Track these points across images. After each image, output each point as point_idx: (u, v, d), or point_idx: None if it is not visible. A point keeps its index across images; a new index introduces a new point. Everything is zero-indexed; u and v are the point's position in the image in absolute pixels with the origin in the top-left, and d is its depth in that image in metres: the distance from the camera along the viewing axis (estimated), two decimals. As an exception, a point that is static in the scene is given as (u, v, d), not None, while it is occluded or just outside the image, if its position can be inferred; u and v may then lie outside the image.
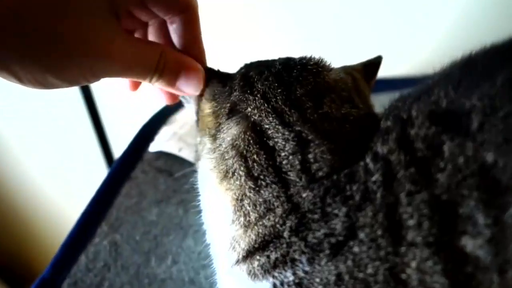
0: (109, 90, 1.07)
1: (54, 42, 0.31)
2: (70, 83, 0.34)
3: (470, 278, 0.24)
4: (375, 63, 0.47)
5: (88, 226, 0.56)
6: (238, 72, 0.42)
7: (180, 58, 0.39)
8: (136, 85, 0.46)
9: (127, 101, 1.05)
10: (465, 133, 0.26)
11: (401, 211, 0.27)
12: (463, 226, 0.25)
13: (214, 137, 0.39)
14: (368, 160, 0.30)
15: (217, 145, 0.38)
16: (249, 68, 0.41)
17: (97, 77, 0.35)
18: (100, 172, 1.08)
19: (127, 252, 0.55)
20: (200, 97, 0.42)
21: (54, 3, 0.30)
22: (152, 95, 0.45)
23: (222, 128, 0.38)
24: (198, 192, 0.63)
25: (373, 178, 0.29)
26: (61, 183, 1.34)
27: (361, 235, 0.28)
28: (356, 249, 0.28)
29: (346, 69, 0.43)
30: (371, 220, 0.28)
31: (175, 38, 0.41)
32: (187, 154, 0.70)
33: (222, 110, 0.39)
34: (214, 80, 0.42)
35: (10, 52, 0.30)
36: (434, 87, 0.30)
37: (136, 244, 0.56)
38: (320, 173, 0.32)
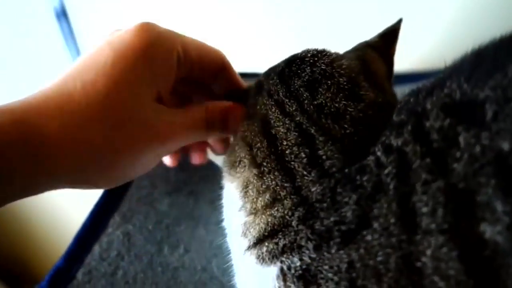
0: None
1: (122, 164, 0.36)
2: (139, 172, 0.39)
3: (488, 262, 0.24)
4: (393, 30, 0.46)
5: (101, 217, 0.57)
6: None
7: (221, 105, 0.43)
8: (176, 159, 0.54)
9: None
10: (480, 123, 0.26)
11: (415, 199, 0.27)
12: (482, 213, 0.25)
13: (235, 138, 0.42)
14: (379, 153, 0.30)
15: (232, 143, 0.42)
16: (262, 75, 0.43)
17: (159, 158, 0.41)
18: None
19: (140, 242, 0.56)
20: None
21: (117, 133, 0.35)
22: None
23: (239, 130, 0.40)
24: (208, 183, 0.64)
25: (386, 171, 0.29)
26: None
27: (375, 224, 0.28)
28: (369, 237, 0.28)
29: (359, 49, 0.43)
30: (386, 210, 0.28)
31: (220, 88, 0.47)
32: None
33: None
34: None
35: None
36: (446, 81, 0.30)
37: (148, 233, 0.56)
38: (333, 169, 0.32)
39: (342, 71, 0.38)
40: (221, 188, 0.43)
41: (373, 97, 0.37)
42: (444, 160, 0.26)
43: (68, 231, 0.65)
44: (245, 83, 0.47)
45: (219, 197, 0.43)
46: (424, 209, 0.26)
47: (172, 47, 0.38)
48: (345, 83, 0.37)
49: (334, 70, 0.38)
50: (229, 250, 0.41)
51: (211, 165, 0.64)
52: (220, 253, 0.45)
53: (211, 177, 0.64)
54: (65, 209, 1.34)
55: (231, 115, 0.43)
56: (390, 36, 0.46)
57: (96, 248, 0.54)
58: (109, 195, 0.60)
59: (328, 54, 0.40)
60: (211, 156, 0.67)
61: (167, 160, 0.54)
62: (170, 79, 0.39)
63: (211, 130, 0.42)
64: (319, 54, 0.40)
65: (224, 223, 0.42)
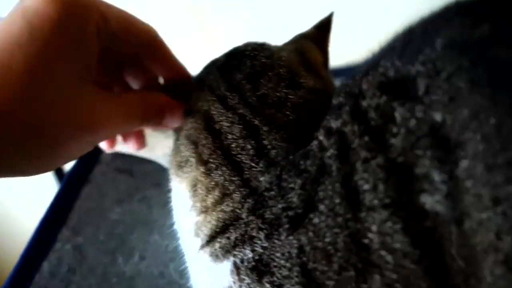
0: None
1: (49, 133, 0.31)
2: (69, 160, 0.35)
3: (431, 232, 0.25)
4: (327, 22, 0.47)
5: (48, 232, 0.55)
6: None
7: (161, 99, 0.41)
8: (112, 144, 0.49)
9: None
10: (413, 97, 0.26)
11: (357, 178, 0.27)
12: (421, 185, 0.25)
13: (176, 139, 0.40)
14: (321, 137, 0.30)
15: (176, 143, 0.40)
16: (202, 71, 0.43)
17: (91, 147, 0.36)
18: (48, 185, 1.03)
19: (92, 254, 0.53)
20: None
21: (36, 95, 0.30)
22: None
23: (182, 128, 0.39)
24: (160, 188, 0.63)
25: (328, 153, 0.29)
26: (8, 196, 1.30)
27: (321, 207, 0.28)
28: (316, 220, 0.28)
29: (296, 41, 0.44)
30: (330, 191, 0.28)
31: (158, 72, 0.43)
32: (145, 153, 0.69)
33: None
34: None
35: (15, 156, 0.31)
36: (381, 60, 0.30)
37: (100, 244, 0.54)
38: (279, 158, 0.32)
39: (282, 63, 0.38)
40: (169, 191, 0.42)
41: (312, 84, 0.37)
42: (382, 136, 0.27)
43: (19, 240, 0.62)
44: (182, 64, 0.44)
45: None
46: (366, 186, 0.26)
47: (89, 15, 0.34)
48: (285, 73, 0.37)
49: (274, 62, 0.38)
50: (184, 253, 0.41)
51: (162, 169, 0.62)
52: (177, 256, 0.44)
53: (163, 181, 0.63)
54: (16, 217, 1.30)
55: (169, 112, 0.40)
56: (324, 27, 0.47)
57: (45, 266, 0.52)
58: (56, 208, 0.57)
59: (267, 47, 0.41)
60: (161, 160, 0.66)
61: (103, 145, 0.48)
62: (92, 52, 0.35)
63: (145, 122, 0.39)
64: (259, 48, 0.40)
65: (176, 226, 0.41)
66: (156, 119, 0.40)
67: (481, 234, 0.23)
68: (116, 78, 0.44)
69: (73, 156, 0.35)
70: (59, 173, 1.01)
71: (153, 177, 0.63)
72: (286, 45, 0.44)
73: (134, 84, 0.45)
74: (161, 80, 0.45)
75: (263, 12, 0.93)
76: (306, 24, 0.48)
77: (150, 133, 0.74)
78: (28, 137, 0.30)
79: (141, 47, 0.40)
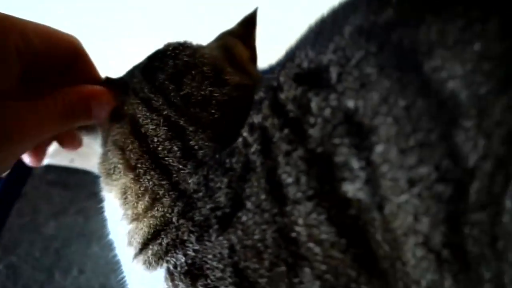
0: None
1: None
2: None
3: (355, 220, 0.26)
4: (251, 17, 0.47)
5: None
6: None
7: (83, 91, 0.38)
8: (37, 157, 0.44)
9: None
10: (327, 86, 0.27)
11: (280, 171, 0.27)
12: (341, 174, 0.26)
13: (104, 145, 0.39)
14: (245, 134, 0.30)
15: (104, 149, 0.38)
16: (125, 74, 0.41)
17: (14, 159, 0.35)
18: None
19: (27, 272, 0.52)
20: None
21: None
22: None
23: (109, 134, 0.38)
24: (97, 198, 0.62)
25: (252, 149, 0.29)
26: None
27: (248, 204, 0.28)
28: (244, 218, 0.28)
29: (220, 39, 0.44)
30: (256, 188, 0.28)
31: (74, 78, 0.41)
32: (80, 163, 0.67)
33: (109, 117, 0.39)
34: None
35: None
36: (296, 52, 0.31)
37: (36, 261, 0.53)
38: (206, 158, 0.32)
39: (205, 60, 0.38)
40: (101, 200, 0.41)
41: (237, 80, 0.37)
42: (301, 128, 0.27)
43: None
44: (101, 76, 0.42)
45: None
46: (289, 180, 0.27)
47: (7, 36, 0.34)
48: (209, 71, 0.37)
49: (197, 60, 0.38)
50: (120, 263, 0.40)
51: (98, 179, 0.61)
52: (118, 267, 0.43)
53: (99, 191, 0.61)
54: None
55: (95, 100, 0.38)
56: (249, 23, 0.47)
57: (-23, 289, 0.50)
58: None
59: (189, 45, 0.40)
60: (96, 169, 0.65)
61: (27, 159, 0.45)
62: (11, 72, 0.35)
63: (72, 119, 0.37)
64: (181, 47, 0.39)
65: (111, 236, 0.40)
66: (82, 111, 0.38)
67: (401, 218, 0.24)
68: (38, 87, 0.41)
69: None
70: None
71: (89, 187, 0.61)
72: (211, 43, 0.44)
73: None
74: None
75: (187, 13, 0.92)
76: (231, 22, 0.49)
77: (85, 143, 0.72)
78: None
79: (64, 58, 0.39)
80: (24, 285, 0.50)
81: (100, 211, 0.59)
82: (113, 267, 0.52)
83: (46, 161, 0.68)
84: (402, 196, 0.24)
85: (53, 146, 0.71)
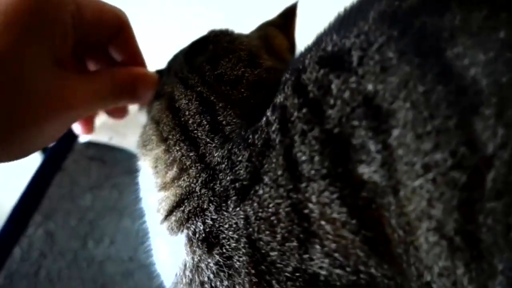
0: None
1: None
2: (43, 144, 0.36)
3: (368, 202, 0.26)
4: (291, 9, 0.49)
5: (20, 218, 0.56)
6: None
7: (130, 72, 0.41)
8: (88, 127, 0.48)
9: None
10: (348, 69, 0.27)
11: (296, 150, 0.28)
12: (357, 156, 0.26)
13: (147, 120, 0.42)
14: (268, 113, 0.31)
15: (145, 124, 0.41)
16: (171, 58, 0.44)
17: (65, 128, 0.37)
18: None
19: (63, 239, 0.55)
20: None
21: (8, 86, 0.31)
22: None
23: (150, 110, 0.41)
24: (131, 175, 0.64)
25: (273, 128, 0.30)
26: None
27: (266, 179, 0.29)
28: (261, 191, 0.29)
29: (261, 29, 0.46)
30: (274, 164, 0.29)
31: (117, 57, 0.44)
32: (118, 142, 0.70)
33: (152, 97, 0.42)
34: None
35: None
36: (323, 37, 0.32)
37: (71, 230, 0.56)
38: (232, 134, 0.34)
39: (243, 47, 0.40)
40: (134, 177, 0.43)
41: (270, 64, 0.39)
42: (320, 108, 0.28)
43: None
44: (141, 53, 0.44)
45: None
46: (304, 158, 0.28)
47: (65, 7, 0.35)
48: (245, 55, 0.39)
49: (235, 46, 0.40)
50: (148, 231, 0.42)
51: (133, 157, 0.63)
52: (146, 238, 0.45)
53: (134, 168, 0.64)
54: None
55: (141, 82, 0.41)
56: (289, 14, 0.49)
57: (17, 251, 0.53)
58: (28, 195, 0.58)
59: (230, 33, 0.43)
60: (132, 147, 0.67)
61: (77, 129, 0.48)
62: (68, 40, 0.36)
63: (118, 97, 0.40)
64: (222, 34, 0.42)
65: (142, 205, 0.42)
66: (129, 92, 0.40)
67: (415, 202, 0.25)
68: (83, 60, 0.44)
69: (48, 139, 0.36)
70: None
71: (125, 164, 0.64)
72: (252, 33, 0.46)
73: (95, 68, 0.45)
74: None
75: (231, 2, 0.94)
76: (273, 13, 0.50)
77: (122, 123, 0.75)
78: (2, 125, 0.31)
79: (110, 31, 0.41)
80: (59, 251, 0.53)
81: (133, 187, 0.62)
82: (142, 240, 0.55)
83: (87, 138, 0.72)
84: (417, 181, 0.24)
85: (96, 122, 0.74)
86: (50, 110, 0.34)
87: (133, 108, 0.78)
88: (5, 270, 0.51)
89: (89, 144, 0.69)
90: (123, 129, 0.75)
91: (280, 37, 0.46)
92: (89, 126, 0.47)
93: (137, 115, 0.71)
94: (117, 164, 0.65)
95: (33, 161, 1.10)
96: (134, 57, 0.44)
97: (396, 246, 0.26)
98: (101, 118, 0.76)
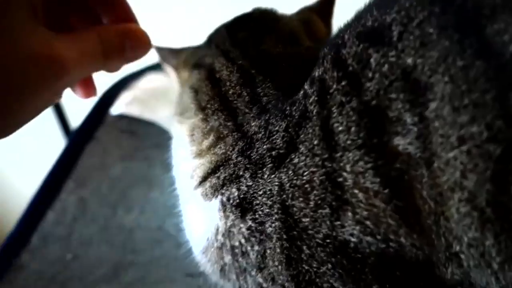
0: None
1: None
2: (38, 111, 0.31)
3: (402, 173, 0.27)
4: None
5: (54, 184, 0.58)
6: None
7: (119, 29, 0.35)
8: (88, 90, 0.39)
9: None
10: (388, 44, 0.28)
11: (333, 121, 0.29)
12: (393, 128, 0.27)
13: (182, 89, 0.43)
14: (306, 86, 0.32)
15: (180, 92, 0.43)
16: (213, 32, 0.46)
17: (60, 92, 0.33)
18: (56, 145, 1.05)
19: (95, 206, 0.57)
20: (176, 70, 0.47)
21: None
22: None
23: (188, 80, 0.42)
24: (161, 149, 0.66)
25: (310, 100, 0.31)
26: (13, 158, 1.31)
27: (302, 148, 0.30)
28: (296, 160, 0.30)
29: (301, 12, 0.47)
30: (311, 134, 0.30)
31: (105, 17, 0.38)
32: (149, 115, 0.72)
33: (191, 67, 0.43)
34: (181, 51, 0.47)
35: None
36: (363, 13, 0.32)
37: (103, 197, 0.58)
38: (269, 105, 0.35)
39: (285, 27, 0.42)
40: (164, 151, 0.45)
41: (309, 43, 0.41)
42: (359, 81, 0.29)
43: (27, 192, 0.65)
44: (132, 12, 0.38)
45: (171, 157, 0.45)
46: (341, 128, 0.29)
47: None
48: (286, 35, 0.41)
49: (277, 25, 0.42)
50: (179, 197, 0.43)
51: (163, 131, 0.65)
52: (174, 213, 0.47)
53: (163, 143, 0.65)
54: (14, 187, 1.33)
55: (131, 40, 0.35)
56: (328, 2, 0.50)
57: (51, 214, 0.55)
58: (62, 163, 0.60)
59: (274, 12, 0.45)
60: (162, 122, 0.69)
61: (79, 93, 0.39)
62: None
63: (108, 58, 0.34)
64: (266, 12, 0.44)
65: (174, 172, 0.43)
66: (118, 50, 0.35)
67: (448, 173, 0.25)
68: (61, 22, 0.37)
69: (38, 110, 0.31)
70: (66, 130, 1.04)
71: (154, 138, 0.66)
72: (292, 14, 0.47)
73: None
74: None
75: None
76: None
77: (153, 97, 0.77)
78: None
79: None
80: (91, 217, 0.55)
81: (162, 160, 0.64)
82: (170, 212, 0.57)
83: (119, 110, 0.74)
84: (451, 152, 0.25)
85: (127, 98, 0.76)
86: (37, 79, 0.29)
87: (163, 83, 0.80)
88: (40, 232, 0.53)
89: (121, 117, 0.71)
90: (154, 103, 0.77)
91: (319, 22, 0.47)
92: (89, 89, 0.39)
93: (167, 90, 0.73)
94: (147, 137, 0.66)
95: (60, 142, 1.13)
96: (123, 14, 0.37)
97: (426, 217, 0.27)
98: (132, 93, 0.78)
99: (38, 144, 1.11)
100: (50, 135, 1.09)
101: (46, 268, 0.50)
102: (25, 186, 0.79)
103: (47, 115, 1.10)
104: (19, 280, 0.49)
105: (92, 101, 0.75)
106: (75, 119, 0.95)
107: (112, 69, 0.36)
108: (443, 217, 0.26)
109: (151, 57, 0.45)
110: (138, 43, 0.36)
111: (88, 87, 0.38)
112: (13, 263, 0.51)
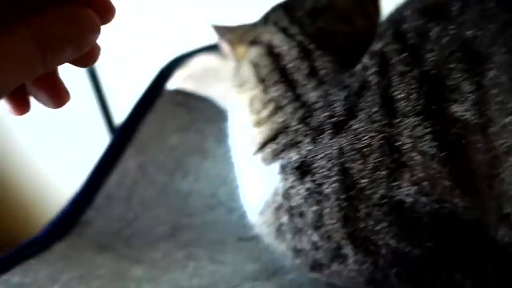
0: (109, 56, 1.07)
1: None
2: None
3: (458, 138, 0.29)
4: None
5: (117, 149, 0.62)
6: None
7: (67, 12, 0.24)
8: (21, 107, 0.27)
9: (126, 66, 1.07)
10: (448, 18, 0.30)
11: (393, 89, 0.31)
12: (452, 96, 0.29)
13: (239, 63, 0.46)
14: (365, 59, 0.35)
15: (237, 66, 0.46)
16: (269, 10, 0.48)
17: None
18: (101, 138, 1.06)
19: (153, 171, 0.61)
20: (232, 45, 0.49)
21: None
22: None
23: (246, 55, 0.45)
24: (214, 123, 0.69)
25: (370, 71, 0.33)
26: (56, 153, 1.31)
27: (361, 115, 0.33)
28: (356, 126, 0.33)
29: None
30: (370, 102, 0.32)
31: None
32: (203, 91, 0.75)
33: (248, 43, 0.46)
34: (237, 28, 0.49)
35: None
36: None
37: (160, 164, 0.62)
38: (327, 77, 0.37)
39: (340, 7, 0.44)
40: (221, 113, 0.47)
41: (363, 23, 0.43)
42: (419, 53, 0.31)
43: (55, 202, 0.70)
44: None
45: (224, 134, 0.48)
46: (401, 95, 0.31)
47: None
48: (341, 14, 0.43)
49: (333, 5, 0.44)
50: (235, 164, 0.46)
51: (216, 107, 0.68)
52: (227, 182, 0.50)
53: (216, 117, 0.69)
54: (53, 183, 1.35)
55: (74, 24, 0.23)
56: None
57: (114, 177, 0.59)
58: (123, 130, 0.65)
59: None
60: (216, 98, 0.72)
61: (8, 107, 0.26)
62: None
63: (47, 54, 0.23)
64: None
65: (229, 141, 0.46)
66: (60, 41, 0.23)
67: (504, 137, 0.27)
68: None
69: None
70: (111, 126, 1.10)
71: (207, 113, 0.69)
72: None
73: None
74: None
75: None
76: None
77: (206, 75, 0.80)
78: None
79: None
80: (150, 181, 0.59)
81: (214, 133, 0.67)
82: (222, 181, 0.60)
83: (176, 85, 0.77)
84: (508, 118, 0.27)
85: (182, 74, 0.79)
86: None
87: (214, 64, 0.83)
88: (104, 192, 0.57)
89: (177, 92, 0.75)
90: (206, 81, 0.81)
91: (370, 6, 0.48)
92: (59, 94, 0.27)
93: (218, 70, 0.76)
94: (200, 111, 0.70)
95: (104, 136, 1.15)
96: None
97: (480, 180, 0.28)
98: (186, 72, 0.82)
99: (83, 141, 1.16)
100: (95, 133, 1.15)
101: (110, 224, 0.54)
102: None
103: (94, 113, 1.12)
104: (86, 234, 0.54)
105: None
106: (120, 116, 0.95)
107: (53, 66, 0.25)
108: (497, 180, 0.28)
109: (203, 39, 0.47)
110: (85, 27, 0.25)
111: (55, 92, 0.27)
112: (79, 219, 0.55)
